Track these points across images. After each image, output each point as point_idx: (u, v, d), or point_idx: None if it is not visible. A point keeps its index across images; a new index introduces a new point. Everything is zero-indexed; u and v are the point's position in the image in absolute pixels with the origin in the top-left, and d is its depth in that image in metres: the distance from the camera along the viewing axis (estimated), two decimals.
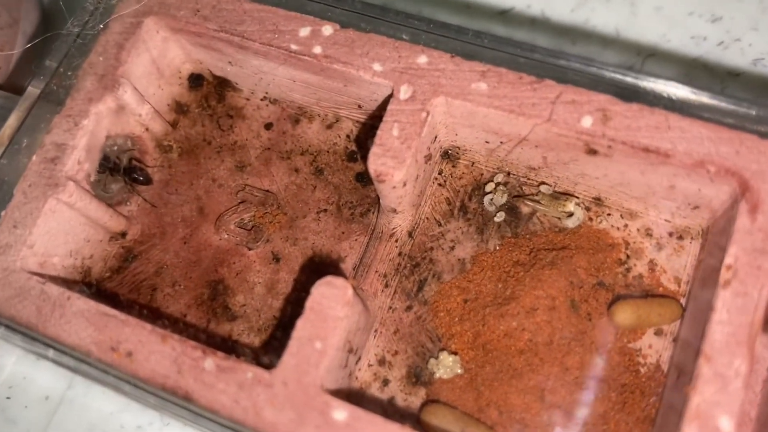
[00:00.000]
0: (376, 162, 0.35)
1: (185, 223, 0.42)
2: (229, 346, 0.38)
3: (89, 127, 0.38)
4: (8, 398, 0.46)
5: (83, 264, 0.41)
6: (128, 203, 0.43)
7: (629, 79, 0.35)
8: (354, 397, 0.36)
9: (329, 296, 0.33)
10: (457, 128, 0.38)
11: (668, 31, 0.48)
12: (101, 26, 0.40)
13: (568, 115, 0.35)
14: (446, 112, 0.37)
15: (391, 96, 0.37)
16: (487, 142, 0.38)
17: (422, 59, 0.37)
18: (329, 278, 0.34)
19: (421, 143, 0.36)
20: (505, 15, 0.51)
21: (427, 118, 0.36)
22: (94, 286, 0.40)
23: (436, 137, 0.39)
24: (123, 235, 0.42)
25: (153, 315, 0.40)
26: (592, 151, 0.35)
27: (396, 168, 0.35)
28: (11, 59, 0.49)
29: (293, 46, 0.38)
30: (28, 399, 0.45)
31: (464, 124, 0.38)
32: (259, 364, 0.33)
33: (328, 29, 0.38)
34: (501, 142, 0.38)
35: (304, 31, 0.38)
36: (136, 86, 0.40)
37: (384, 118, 0.36)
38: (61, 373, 0.46)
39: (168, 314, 0.40)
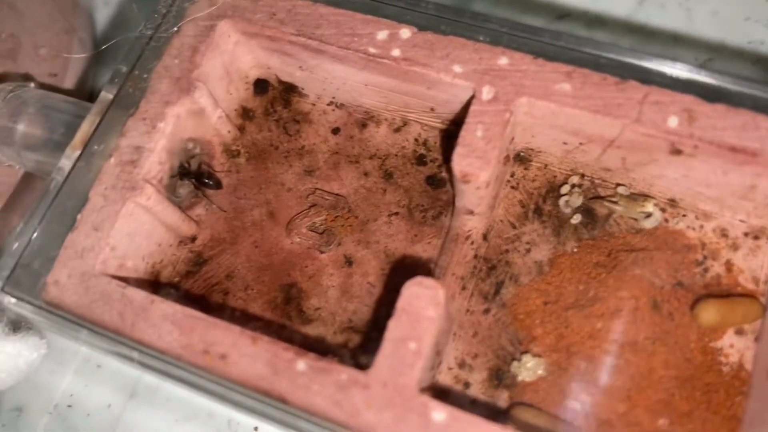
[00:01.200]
0: (461, 162, 0.35)
1: (255, 227, 0.42)
2: (312, 349, 0.38)
3: (166, 130, 0.38)
4: (69, 406, 0.45)
5: (154, 268, 0.41)
6: (196, 208, 0.43)
7: (712, 80, 0.35)
8: (443, 398, 0.36)
9: (421, 296, 0.33)
10: (535, 130, 0.38)
11: (726, 36, 0.49)
12: (175, 29, 0.40)
13: (654, 115, 0.35)
14: (527, 113, 0.37)
15: (472, 98, 0.37)
16: (565, 143, 0.38)
17: (503, 60, 0.37)
18: (420, 278, 0.34)
19: (503, 143, 0.36)
20: (562, 20, 0.51)
21: (510, 118, 0.36)
22: (181, 289, 0.40)
23: (513, 139, 0.39)
24: (193, 239, 0.42)
25: (229, 318, 0.40)
26: (677, 152, 0.35)
27: (482, 168, 0.35)
28: (67, 65, 0.49)
29: (371, 50, 0.38)
30: (89, 407, 0.45)
31: (544, 125, 0.38)
32: (354, 365, 0.33)
33: (405, 32, 0.38)
34: (580, 143, 0.38)
35: (382, 35, 0.38)
36: (210, 90, 0.40)
37: (467, 119, 0.36)
38: (123, 380, 0.45)
39: (242, 321, 0.40)
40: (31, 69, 0.47)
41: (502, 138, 0.35)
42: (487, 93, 0.36)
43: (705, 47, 0.49)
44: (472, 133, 0.36)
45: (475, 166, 0.35)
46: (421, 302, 0.33)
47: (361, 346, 0.39)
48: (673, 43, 0.49)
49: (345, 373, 0.32)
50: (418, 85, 0.38)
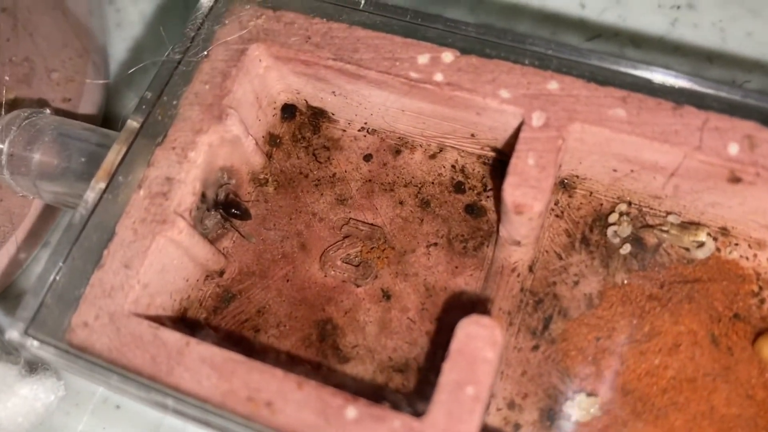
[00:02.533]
0: (514, 193, 0.33)
1: (286, 259, 0.40)
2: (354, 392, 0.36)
3: (198, 160, 0.36)
4: None
5: (180, 306, 0.38)
6: (223, 240, 0.40)
7: None
8: None
9: (477, 337, 0.31)
10: (583, 156, 0.37)
11: (762, 56, 0.47)
12: (204, 53, 0.38)
13: (714, 142, 0.33)
14: (579, 140, 0.35)
15: (521, 124, 0.35)
16: (615, 170, 0.37)
17: (553, 85, 0.35)
18: (475, 317, 0.32)
19: (556, 171, 0.34)
20: (593, 42, 0.49)
21: (563, 145, 0.34)
22: (221, 330, 0.38)
23: (560, 166, 0.37)
24: (221, 273, 0.40)
25: (261, 358, 0.37)
26: (736, 180, 0.34)
27: (536, 198, 0.33)
28: (81, 90, 0.47)
29: (413, 74, 0.36)
30: None
31: (594, 152, 0.36)
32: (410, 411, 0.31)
33: (448, 56, 0.37)
34: (632, 171, 0.36)
35: (423, 59, 0.37)
36: (241, 116, 0.38)
37: (517, 147, 0.34)
38: (144, 422, 0.43)
39: (275, 358, 0.38)
40: (44, 94, 0.45)
41: (555, 166, 0.34)
42: (537, 119, 0.35)
43: (740, 67, 0.47)
44: (524, 161, 0.34)
45: (529, 197, 0.33)
46: (478, 343, 0.31)
47: (403, 387, 0.37)
48: (708, 63, 0.48)
49: (399, 420, 0.30)
50: (462, 111, 0.37)
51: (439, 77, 0.36)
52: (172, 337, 0.33)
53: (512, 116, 0.35)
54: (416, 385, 0.36)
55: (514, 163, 0.34)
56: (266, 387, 0.31)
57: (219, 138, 0.37)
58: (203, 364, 0.32)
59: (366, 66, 0.37)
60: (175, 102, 0.37)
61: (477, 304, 0.37)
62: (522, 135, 0.34)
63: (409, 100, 0.38)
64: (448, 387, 0.31)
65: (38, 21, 0.45)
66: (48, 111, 0.42)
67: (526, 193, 0.33)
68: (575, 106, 0.35)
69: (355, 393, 0.32)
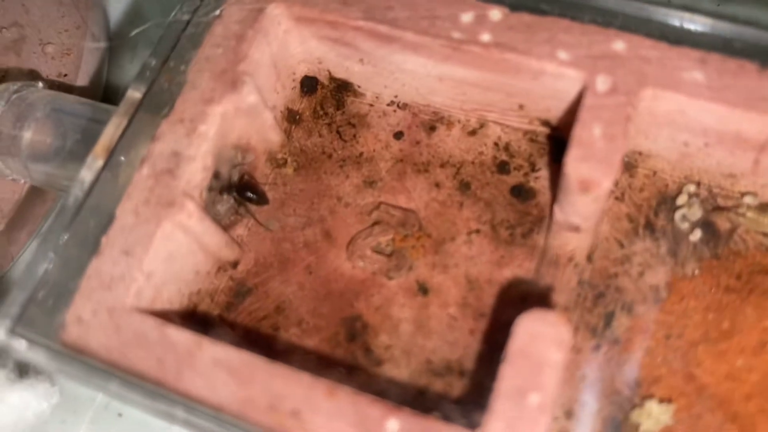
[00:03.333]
0: (578, 168, 0.29)
1: (309, 249, 0.36)
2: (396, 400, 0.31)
3: (209, 133, 0.32)
4: None
5: (190, 301, 0.34)
6: (237, 227, 0.36)
7: None
8: None
9: (542, 335, 0.27)
10: (650, 129, 0.32)
11: None
12: (216, 13, 0.33)
13: None
14: (650, 109, 0.31)
15: (584, 89, 0.30)
16: (686, 144, 0.32)
17: (619, 45, 0.31)
18: (539, 312, 0.27)
19: (627, 144, 0.30)
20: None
21: (633, 113, 0.30)
22: (236, 328, 0.33)
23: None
24: (234, 265, 0.35)
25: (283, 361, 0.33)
26: None
27: (606, 174, 0.29)
28: (79, 63, 0.42)
29: (455, 35, 0.32)
30: None
31: (663, 122, 0.31)
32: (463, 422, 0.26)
33: (496, 14, 0.32)
34: (706, 144, 0.32)
35: (467, 17, 0.32)
36: (259, 87, 0.33)
37: (580, 115, 0.30)
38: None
39: (299, 361, 0.33)
40: (38, 67, 0.40)
41: (625, 137, 0.29)
42: (602, 83, 0.30)
43: None
44: (589, 132, 0.29)
45: (598, 172, 0.29)
46: (543, 342, 0.27)
47: (446, 394, 0.32)
48: None
49: None
50: (512, 76, 0.32)
51: (486, 37, 0.31)
52: (182, 336, 0.28)
53: (573, 81, 0.31)
54: (463, 392, 0.31)
55: (578, 134, 0.29)
56: (291, 394, 0.27)
57: (233, 109, 0.32)
58: (218, 367, 0.28)
59: (401, 26, 0.32)
60: (183, 68, 0.33)
61: (530, 298, 0.32)
62: (585, 102, 0.30)
63: (450, 66, 0.33)
64: (508, 394, 0.26)
65: None
66: (40, 84, 0.37)
67: (593, 168, 0.29)
68: (645, 69, 0.30)
69: (396, 401, 0.27)
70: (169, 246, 0.31)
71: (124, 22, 0.48)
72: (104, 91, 0.44)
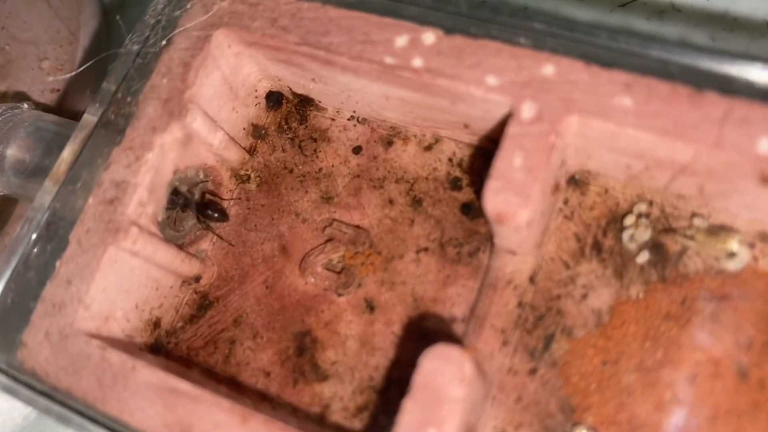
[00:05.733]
0: (494, 199, 0.29)
1: (267, 264, 0.37)
2: (322, 420, 0.33)
3: (154, 162, 0.33)
4: None
5: (151, 315, 0.36)
6: (201, 243, 0.37)
7: None
8: None
9: (443, 372, 0.27)
10: (591, 151, 0.31)
11: None
12: (164, 42, 0.34)
13: (739, 137, 0.27)
14: (579, 134, 0.30)
15: (509, 116, 0.30)
16: (628, 167, 0.31)
17: (548, 69, 0.30)
18: (441, 348, 0.27)
19: (550, 173, 0.29)
20: (626, 7, 0.43)
21: (557, 142, 0.29)
22: (163, 350, 0.35)
23: (563, 162, 0.32)
24: (197, 279, 0.37)
25: (231, 377, 0.35)
26: None
27: (521, 206, 0.28)
28: (69, 79, 0.44)
29: (388, 60, 0.32)
30: None
31: (601, 146, 0.31)
32: None
33: (429, 37, 0.32)
34: (647, 167, 0.31)
35: (401, 41, 0.32)
36: (207, 111, 0.34)
37: (502, 144, 0.29)
38: None
39: (249, 374, 0.35)
40: (32, 85, 0.43)
41: (547, 167, 0.29)
42: (528, 110, 0.30)
43: None
44: (507, 162, 0.29)
45: (512, 204, 0.28)
46: (444, 378, 0.27)
47: (384, 411, 0.33)
48: (760, 36, 0.40)
49: None
50: (444, 100, 0.32)
51: (417, 62, 0.31)
52: (118, 358, 0.30)
53: (500, 106, 0.30)
54: (391, 407, 0.32)
55: (497, 164, 0.29)
56: (205, 420, 0.28)
57: (178, 136, 0.33)
58: (148, 390, 0.30)
59: (336, 51, 0.32)
60: (129, 99, 0.34)
61: (464, 319, 0.33)
62: (508, 130, 0.29)
63: (387, 87, 0.33)
64: (408, 428, 0.27)
65: (15, 7, 0.42)
66: (26, 106, 0.40)
67: (508, 201, 0.28)
68: (573, 95, 0.29)
69: (321, 419, 0.28)
70: (118, 269, 0.33)
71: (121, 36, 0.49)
72: None
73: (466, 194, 0.36)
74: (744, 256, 0.31)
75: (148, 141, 0.33)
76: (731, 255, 0.31)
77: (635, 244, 0.33)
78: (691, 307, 0.31)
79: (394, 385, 0.33)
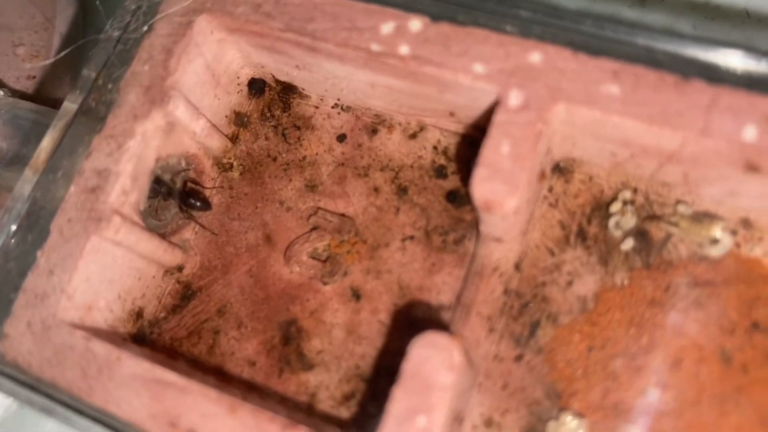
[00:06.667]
0: (482, 188, 0.29)
1: (251, 253, 0.36)
2: (309, 409, 0.32)
3: (135, 150, 0.32)
4: None
5: (134, 305, 0.35)
6: (184, 232, 0.37)
7: None
8: None
9: (431, 359, 0.27)
10: (576, 139, 0.31)
11: None
12: (145, 28, 0.34)
13: (725, 125, 0.28)
14: (566, 122, 0.30)
15: (496, 104, 0.30)
16: (613, 154, 0.31)
17: (535, 57, 0.30)
18: (430, 335, 0.27)
19: (537, 161, 0.29)
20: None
21: (544, 130, 0.29)
22: (147, 341, 0.35)
23: (549, 149, 0.32)
24: (180, 268, 0.37)
25: (216, 367, 0.34)
26: (753, 168, 0.28)
27: (509, 194, 0.28)
28: (46, 65, 0.43)
29: (374, 47, 0.32)
30: None
31: (587, 134, 0.31)
32: None
33: (416, 24, 0.32)
34: (632, 155, 0.31)
35: (387, 28, 0.32)
36: (189, 98, 0.34)
37: (489, 132, 0.29)
38: None
39: (234, 364, 0.35)
40: (6, 71, 0.42)
41: (534, 155, 0.29)
42: (515, 98, 0.30)
43: None
44: (495, 150, 0.29)
45: (500, 192, 0.28)
46: (433, 366, 0.27)
47: (372, 399, 0.33)
48: (741, 24, 0.41)
49: None
50: (430, 87, 0.32)
51: (403, 50, 0.31)
52: (103, 349, 0.30)
53: (487, 95, 0.30)
54: (379, 395, 0.32)
55: (484, 152, 0.29)
56: (193, 410, 0.28)
57: (160, 123, 0.33)
58: (134, 381, 0.29)
59: (321, 38, 0.32)
60: (110, 86, 0.33)
61: (451, 307, 0.33)
62: (495, 118, 0.29)
63: (373, 75, 0.33)
64: (397, 417, 0.27)
65: None
66: (1, 93, 0.39)
67: (495, 189, 0.28)
68: (560, 83, 0.29)
69: (309, 408, 0.28)
70: (100, 258, 0.32)
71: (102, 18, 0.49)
72: None
73: (451, 182, 0.36)
74: (727, 242, 0.32)
75: (130, 129, 0.32)
76: (714, 241, 0.32)
77: (620, 231, 0.33)
78: (675, 294, 0.32)
79: (382, 373, 0.33)
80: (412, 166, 0.36)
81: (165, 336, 0.36)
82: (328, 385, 0.34)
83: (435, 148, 0.36)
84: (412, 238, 0.35)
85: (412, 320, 0.33)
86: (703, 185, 0.31)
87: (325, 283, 0.35)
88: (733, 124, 0.27)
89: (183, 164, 0.36)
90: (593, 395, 0.31)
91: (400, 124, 0.37)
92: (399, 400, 0.27)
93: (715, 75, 0.29)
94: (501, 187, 0.28)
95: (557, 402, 0.31)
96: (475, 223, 0.34)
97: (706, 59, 0.29)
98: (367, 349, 0.34)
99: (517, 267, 0.33)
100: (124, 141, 0.32)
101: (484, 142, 0.29)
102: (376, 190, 0.36)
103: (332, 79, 0.35)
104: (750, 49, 0.28)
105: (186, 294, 0.37)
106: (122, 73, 0.34)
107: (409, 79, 0.32)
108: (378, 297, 0.34)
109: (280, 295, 0.36)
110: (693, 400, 0.30)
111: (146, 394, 0.29)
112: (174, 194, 0.36)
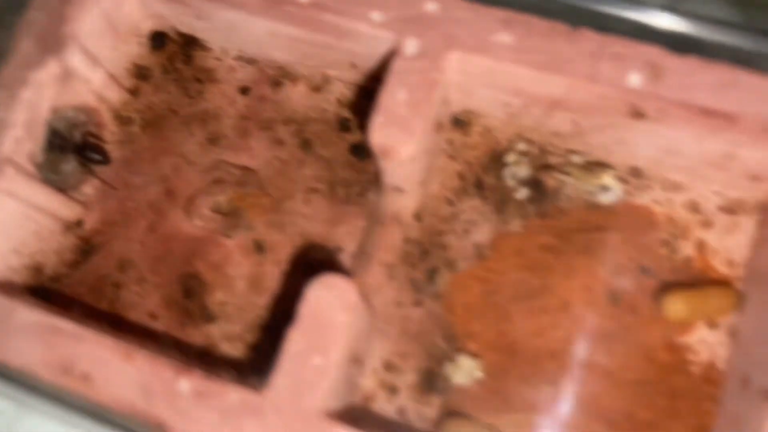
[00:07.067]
0: (379, 134, 0.29)
1: (151, 208, 0.36)
2: (209, 356, 0.32)
3: (29, 99, 0.32)
4: None
5: (33, 260, 0.35)
6: (84, 186, 0.36)
7: (683, 27, 0.29)
8: (359, 415, 0.30)
9: (329, 300, 0.27)
10: (472, 89, 0.32)
11: None
12: None
13: (611, 71, 0.29)
14: (461, 70, 0.31)
15: (393, 52, 0.30)
16: (507, 104, 0.32)
17: (431, 6, 0.30)
18: (327, 277, 0.28)
19: (432, 109, 0.30)
20: None
21: (440, 78, 0.30)
22: (47, 295, 0.34)
23: (446, 100, 0.32)
24: (79, 223, 0.36)
25: (117, 321, 0.34)
26: (639, 115, 0.29)
27: (405, 141, 0.29)
28: None
29: None
30: None
31: (481, 83, 0.31)
32: (247, 383, 0.27)
33: None
34: (525, 105, 0.32)
35: None
36: (87, 47, 0.33)
37: (386, 80, 0.30)
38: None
39: (135, 318, 0.34)
40: None
41: (430, 102, 0.29)
42: (411, 46, 0.30)
43: None
44: (392, 97, 0.29)
45: (397, 139, 0.29)
46: (330, 306, 0.27)
47: (273, 346, 0.33)
48: None
49: (236, 394, 0.27)
50: (329, 36, 0.32)
51: None
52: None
53: (384, 43, 0.31)
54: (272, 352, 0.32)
55: (381, 100, 0.29)
56: (88, 357, 0.28)
57: (55, 72, 0.32)
58: (28, 331, 0.29)
59: None
60: (2, 34, 0.32)
61: (353, 256, 0.33)
62: (392, 66, 0.30)
63: (272, 23, 0.33)
64: (293, 357, 0.27)
65: None
66: None
67: (392, 135, 0.29)
68: (454, 31, 0.30)
69: (210, 357, 0.28)
70: None
71: None
72: None
73: (355, 136, 0.36)
74: (617, 190, 0.33)
75: (23, 77, 0.32)
76: (605, 189, 0.33)
77: (515, 181, 0.34)
78: (568, 239, 0.33)
79: (285, 321, 0.33)
80: (316, 120, 0.36)
81: (66, 291, 0.35)
82: (231, 335, 0.34)
83: (339, 101, 0.36)
84: (316, 190, 0.35)
85: (314, 269, 0.34)
86: (593, 134, 0.32)
87: (227, 237, 0.35)
88: (619, 71, 0.29)
89: (82, 117, 0.35)
90: (488, 336, 0.32)
91: (304, 76, 0.37)
92: (295, 341, 0.27)
93: (603, 24, 0.30)
94: (397, 134, 0.29)
95: (455, 344, 0.32)
96: (378, 176, 0.35)
97: (595, 9, 0.30)
98: (269, 300, 0.34)
99: (418, 217, 0.34)
100: (18, 90, 0.31)
101: (381, 90, 0.30)
102: (280, 143, 0.36)
103: (232, 29, 0.35)
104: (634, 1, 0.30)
105: (86, 249, 0.36)
106: (15, 20, 0.32)
107: (308, 27, 0.32)
108: (281, 249, 0.35)
109: (182, 250, 0.35)
110: (583, 339, 0.31)
111: (40, 342, 0.28)
112: (70, 147, 0.35)
